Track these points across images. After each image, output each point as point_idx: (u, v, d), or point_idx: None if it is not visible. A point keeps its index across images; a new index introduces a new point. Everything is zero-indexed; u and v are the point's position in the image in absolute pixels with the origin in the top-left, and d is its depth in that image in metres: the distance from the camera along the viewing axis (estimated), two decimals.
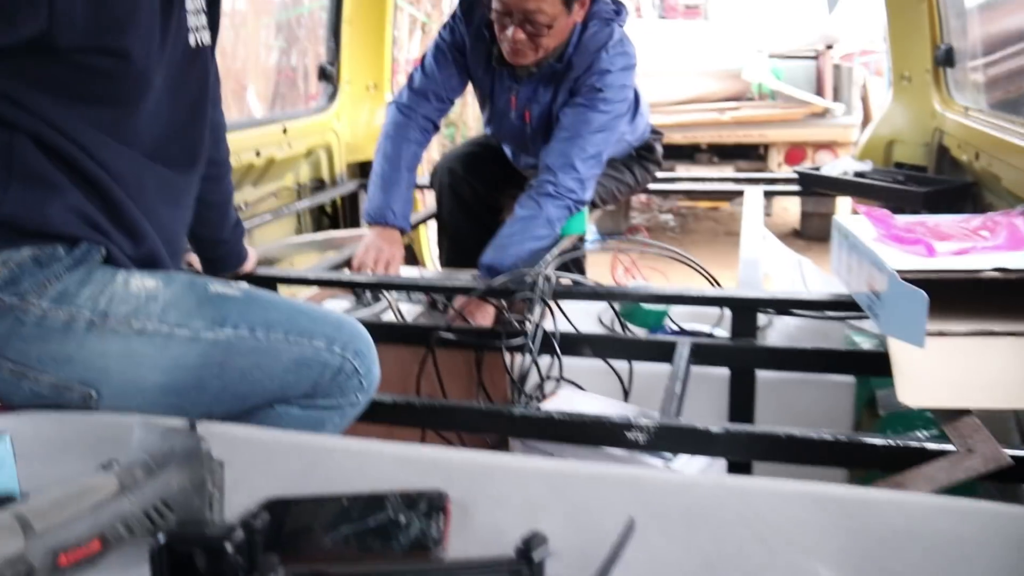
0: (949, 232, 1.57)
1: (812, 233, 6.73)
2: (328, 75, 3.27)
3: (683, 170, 6.22)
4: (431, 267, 2.92)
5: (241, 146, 2.69)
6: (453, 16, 2.37)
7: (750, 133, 5.96)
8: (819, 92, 6.28)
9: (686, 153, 6.23)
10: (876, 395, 1.88)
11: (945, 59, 2.66)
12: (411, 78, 2.39)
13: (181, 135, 1.44)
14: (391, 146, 2.31)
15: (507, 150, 2.59)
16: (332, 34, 3.23)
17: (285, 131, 2.95)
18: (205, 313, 1.33)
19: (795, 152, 6.03)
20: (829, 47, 6.18)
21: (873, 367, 1.64)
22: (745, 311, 1.73)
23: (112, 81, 1.27)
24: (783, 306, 1.74)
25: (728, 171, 6.24)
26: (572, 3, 2.12)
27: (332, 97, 3.28)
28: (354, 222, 3.27)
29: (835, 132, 5.92)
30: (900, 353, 1.41)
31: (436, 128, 2.41)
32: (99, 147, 1.28)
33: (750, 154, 6.26)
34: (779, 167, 6.09)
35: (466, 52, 2.34)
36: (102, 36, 1.22)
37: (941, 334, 1.44)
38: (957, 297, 1.46)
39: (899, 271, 1.41)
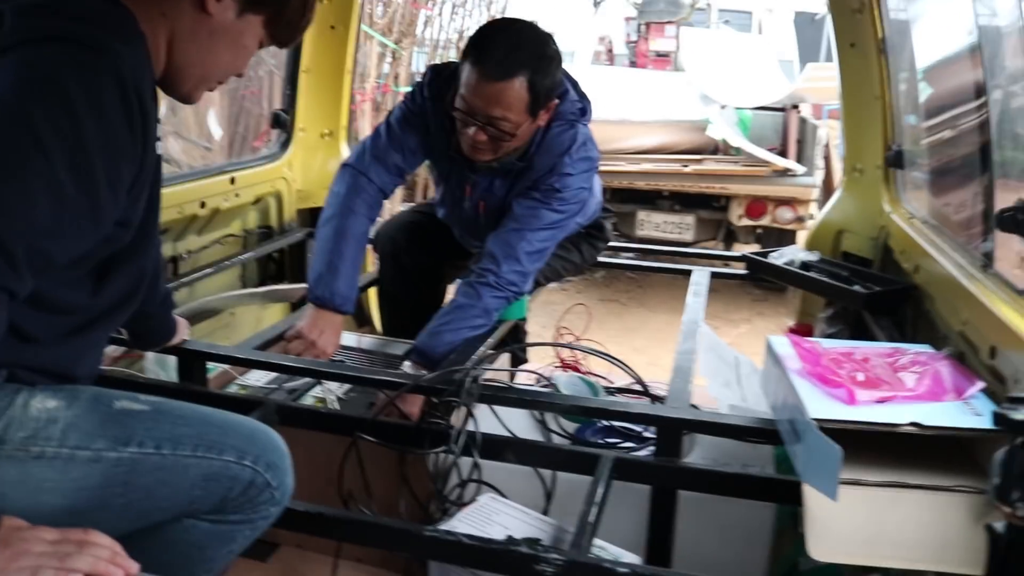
0: (875, 372, 1.57)
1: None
2: (282, 122, 3.21)
3: (643, 215, 6.28)
4: (378, 329, 2.89)
5: (184, 198, 2.64)
6: (420, 89, 2.29)
7: (713, 185, 6.00)
8: (784, 145, 6.35)
9: (648, 199, 6.26)
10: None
11: (895, 160, 2.67)
12: (372, 142, 2.30)
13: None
14: (340, 218, 2.21)
15: (454, 230, 2.56)
16: (288, 82, 3.19)
17: (233, 181, 2.90)
18: (108, 432, 1.29)
19: (756, 206, 6.08)
20: (795, 107, 6.25)
21: (797, 498, 1.63)
22: (671, 431, 1.71)
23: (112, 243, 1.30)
24: (708, 429, 1.73)
25: (689, 219, 6.28)
26: (538, 110, 2.08)
27: (285, 145, 3.23)
28: (301, 272, 3.21)
29: (796, 190, 5.97)
30: (813, 501, 1.41)
31: (386, 198, 2.35)
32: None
33: (712, 204, 6.30)
34: (739, 219, 6.14)
35: (429, 129, 2.28)
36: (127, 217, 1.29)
37: (855, 483, 1.43)
38: (877, 445, 1.46)
39: (818, 420, 1.41)
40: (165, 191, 1.47)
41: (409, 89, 2.37)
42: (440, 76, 2.27)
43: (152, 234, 1.44)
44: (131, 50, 1.21)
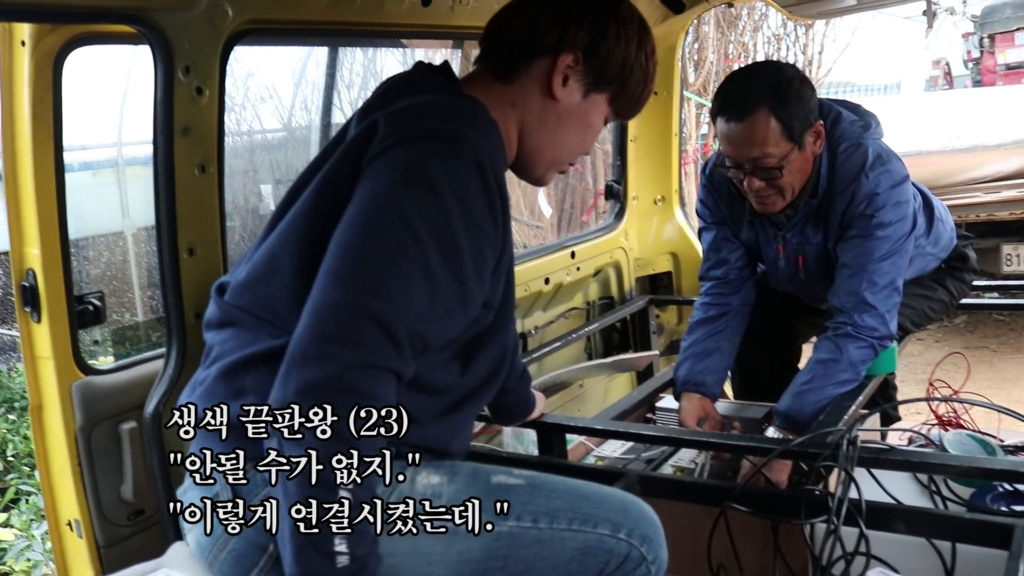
0: None
1: None
2: (615, 193, 3.27)
3: (1010, 250, 5.59)
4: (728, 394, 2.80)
5: (530, 275, 2.74)
6: (703, 186, 2.35)
7: None
8: None
9: (1014, 230, 5.58)
10: None
11: None
12: (704, 250, 2.40)
13: None
14: (703, 318, 2.31)
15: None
16: (618, 152, 3.24)
17: (573, 255, 2.98)
18: (488, 506, 1.32)
19: None
20: None
21: None
22: None
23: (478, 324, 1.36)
24: None
25: None
26: (801, 136, 1.99)
27: (619, 215, 3.27)
28: (645, 340, 3.22)
29: None
30: None
31: (743, 286, 2.36)
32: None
33: None
34: None
35: (725, 212, 2.29)
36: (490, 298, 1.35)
37: None
38: None
39: None
40: None
41: None
42: (706, 166, 2.35)
43: (511, 313, 1.49)
44: (487, 139, 1.28)
